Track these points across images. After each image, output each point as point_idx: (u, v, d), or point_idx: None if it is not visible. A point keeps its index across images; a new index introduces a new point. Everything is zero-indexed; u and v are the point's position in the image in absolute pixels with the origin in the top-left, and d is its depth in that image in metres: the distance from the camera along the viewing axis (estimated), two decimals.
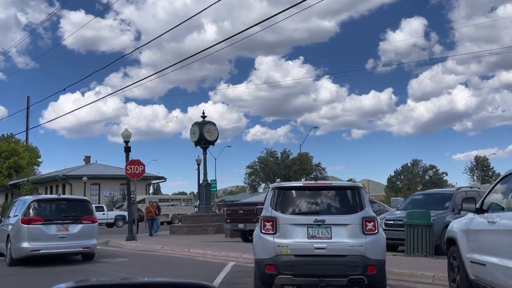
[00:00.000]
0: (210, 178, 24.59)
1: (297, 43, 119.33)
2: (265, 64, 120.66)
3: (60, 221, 11.51)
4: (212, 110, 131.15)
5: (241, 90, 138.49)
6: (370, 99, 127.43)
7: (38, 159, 56.57)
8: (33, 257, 11.34)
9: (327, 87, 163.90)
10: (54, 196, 14.63)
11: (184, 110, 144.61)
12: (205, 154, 22.15)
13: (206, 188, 21.64)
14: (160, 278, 3.56)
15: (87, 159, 53.58)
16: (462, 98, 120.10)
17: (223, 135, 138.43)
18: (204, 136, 21.24)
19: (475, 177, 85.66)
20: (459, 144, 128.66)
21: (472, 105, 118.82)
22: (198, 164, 30.70)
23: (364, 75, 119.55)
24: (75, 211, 11.93)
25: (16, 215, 11.81)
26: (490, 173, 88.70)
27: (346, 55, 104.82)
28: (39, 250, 11.17)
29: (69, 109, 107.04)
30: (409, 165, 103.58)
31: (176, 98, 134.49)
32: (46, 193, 44.14)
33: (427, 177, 70.76)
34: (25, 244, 11.06)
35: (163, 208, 34.28)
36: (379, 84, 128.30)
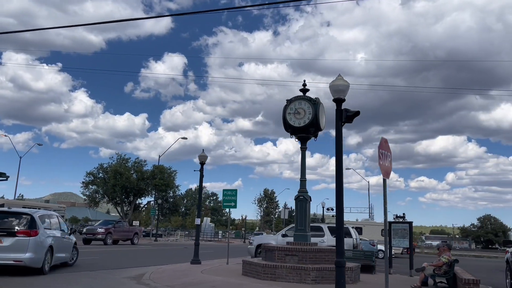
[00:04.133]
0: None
1: (57, 48, 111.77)
2: (14, 60, 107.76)
3: None
4: None
5: None
6: (124, 121, 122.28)
7: None
8: None
9: (82, 100, 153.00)
10: None
11: None
12: (304, 149, 13.71)
13: (305, 204, 13.24)
14: None
15: None
16: (205, 134, 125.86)
17: None
18: (318, 121, 13.42)
19: (262, 208, 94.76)
20: (197, 175, 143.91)
21: (214, 142, 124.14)
22: (202, 163, 18.32)
23: (122, 95, 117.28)
24: (11, 224, 11.83)
25: None
26: (275, 205, 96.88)
27: (108, 72, 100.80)
28: None
29: None
30: (194, 190, 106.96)
31: None
32: None
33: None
34: None
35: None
36: (135, 108, 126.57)
